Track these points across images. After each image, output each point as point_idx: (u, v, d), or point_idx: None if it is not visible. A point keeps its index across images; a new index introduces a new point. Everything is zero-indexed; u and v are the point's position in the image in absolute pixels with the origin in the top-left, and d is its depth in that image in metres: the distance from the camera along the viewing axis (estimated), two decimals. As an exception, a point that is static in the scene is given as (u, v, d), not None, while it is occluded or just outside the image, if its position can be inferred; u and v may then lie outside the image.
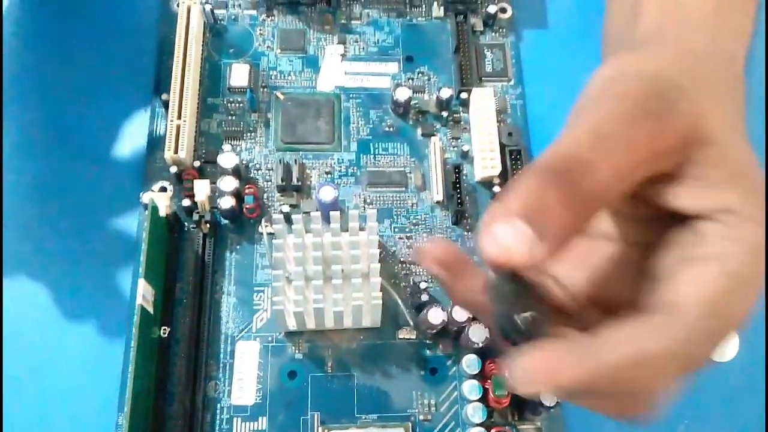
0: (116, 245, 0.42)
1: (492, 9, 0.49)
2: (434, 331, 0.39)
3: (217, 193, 0.41)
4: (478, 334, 0.38)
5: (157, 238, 0.39)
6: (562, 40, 0.51)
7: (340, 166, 0.45)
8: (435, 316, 0.38)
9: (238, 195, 0.42)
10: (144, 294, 0.36)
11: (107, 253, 0.42)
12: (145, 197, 0.40)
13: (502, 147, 0.45)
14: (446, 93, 0.45)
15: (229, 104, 0.46)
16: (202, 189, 0.40)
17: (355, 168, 0.45)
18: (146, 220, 0.37)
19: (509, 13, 0.50)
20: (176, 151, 0.42)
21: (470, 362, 0.38)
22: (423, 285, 0.41)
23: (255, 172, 0.44)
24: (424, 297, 0.40)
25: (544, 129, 0.47)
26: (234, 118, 0.46)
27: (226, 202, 0.41)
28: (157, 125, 0.45)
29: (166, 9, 0.48)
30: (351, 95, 0.47)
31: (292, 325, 0.38)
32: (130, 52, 0.47)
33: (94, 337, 0.40)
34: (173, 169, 0.42)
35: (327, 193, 0.41)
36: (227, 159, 0.42)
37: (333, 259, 0.38)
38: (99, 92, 0.46)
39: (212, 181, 0.43)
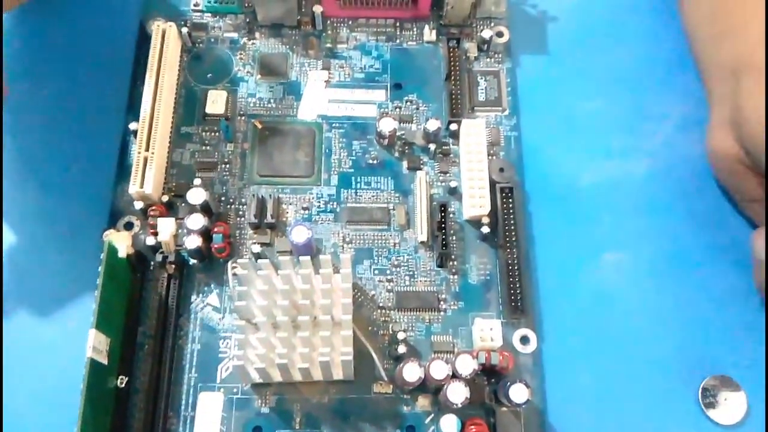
0: (78, 285, 0.39)
1: (487, 34, 0.46)
2: (410, 387, 0.36)
3: (183, 231, 0.39)
4: (457, 393, 0.34)
5: (115, 281, 0.36)
6: (561, 66, 0.47)
7: (319, 202, 0.42)
8: (411, 372, 0.35)
9: (206, 234, 0.39)
10: (95, 345, 0.33)
11: (67, 294, 0.39)
12: (106, 235, 0.38)
13: (492, 184, 0.41)
14: (433, 125, 0.42)
15: (203, 133, 0.44)
16: (166, 228, 0.38)
17: (335, 203, 0.42)
18: (101, 263, 0.35)
19: (506, 37, 0.47)
20: (142, 185, 0.39)
21: (449, 423, 0.35)
22: (401, 335, 0.38)
23: (228, 206, 0.42)
24: (402, 349, 0.37)
25: (540, 163, 0.44)
26: (208, 148, 0.43)
27: (192, 242, 0.38)
28: (127, 155, 0.42)
29: (143, 31, 0.46)
30: (334, 124, 0.44)
31: (256, 378, 0.36)
32: (104, 77, 0.45)
33: (51, 385, 0.37)
34: (138, 205, 0.40)
35: (300, 234, 0.38)
36: (195, 195, 0.39)
37: (302, 309, 0.35)
38: (70, 119, 0.44)
39: (182, 216, 0.40)
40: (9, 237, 0.41)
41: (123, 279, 0.37)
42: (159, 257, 0.38)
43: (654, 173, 0.44)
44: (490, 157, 0.43)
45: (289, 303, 0.35)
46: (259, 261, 0.36)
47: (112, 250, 0.36)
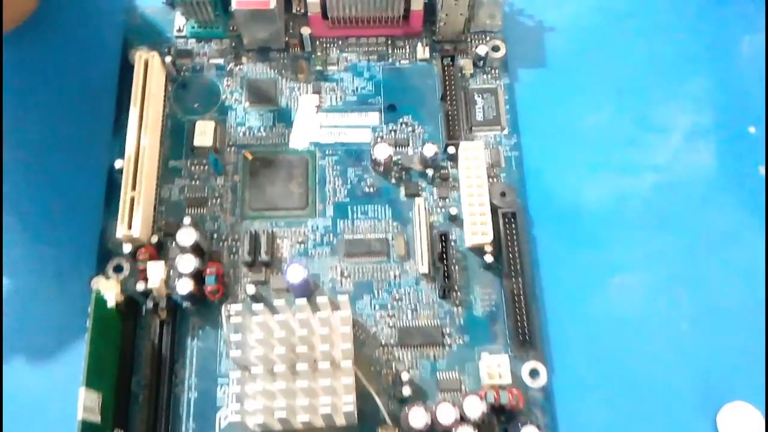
0: (67, 335, 0.38)
1: (483, 50, 0.44)
2: (417, 432, 0.35)
3: (174, 274, 0.37)
4: (466, 438, 0.33)
5: (105, 332, 0.35)
6: (561, 79, 0.45)
7: (315, 235, 0.40)
8: (417, 418, 0.34)
9: (198, 275, 0.37)
10: (87, 404, 0.32)
11: (56, 346, 0.38)
12: (94, 283, 0.36)
13: (494, 209, 0.40)
14: (430, 150, 0.41)
15: (192, 167, 0.42)
16: (156, 273, 0.36)
17: (331, 236, 0.40)
18: (89, 317, 0.33)
19: (502, 51, 0.45)
20: (129, 228, 0.38)
21: (459, 468, 0.34)
22: (405, 376, 0.36)
23: (220, 244, 0.40)
24: (406, 390, 0.36)
25: (542, 183, 0.42)
26: (198, 182, 0.41)
27: (184, 287, 0.36)
28: (114, 194, 0.41)
29: (126, 62, 0.44)
30: (327, 152, 0.43)
31: (257, 430, 0.34)
32: (87, 112, 0.43)
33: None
34: (127, 248, 0.38)
35: (296, 274, 0.36)
36: (186, 235, 0.38)
37: (301, 356, 0.34)
38: (52, 157, 0.42)
39: (172, 258, 0.39)
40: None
41: (113, 328, 0.36)
42: (150, 304, 0.37)
43: (662, 188, 0.43)
44: (490, 180, 0.41)
45: (287, 350, 0.33)
46: (254, 306, 0.34)
47: (101, 301, 0.34)
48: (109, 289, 0.35)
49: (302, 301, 0.34)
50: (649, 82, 0.45)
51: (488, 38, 0.46)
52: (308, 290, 0.38)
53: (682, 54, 0.45)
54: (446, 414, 0.33)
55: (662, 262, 0.41)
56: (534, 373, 0.38)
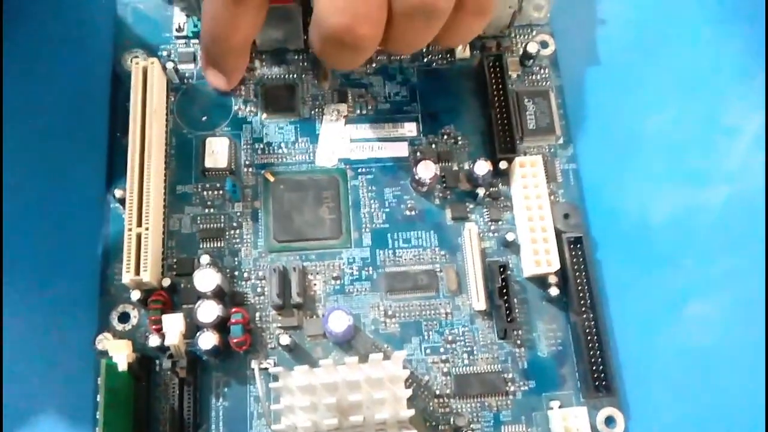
0: (70, 400, 0.32)
1: (533, 47, 0.38)
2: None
3: (194, 324, 0.32)
4: None
5: (117, 400, 0.29)
6: (616, 78, 0.40)
7: (351, 269, 0.35)
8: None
9: (221, 325, 0.32)
10: (101, 497, 0.27)
11: (61, 422, 0.32)
12: (100, 344, 0.30)
13: (558, 233, 0.35)
14: (482, 168, 0.35)
15: (205, 192, 0.36)
16: (173, 327, 0.31)
17: (370, 269, 0.35)
18: (100, 390, 0.28)
19: (551, 47, 0.40)
20: (137, 272, 0.32)
21: None
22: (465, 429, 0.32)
23: (243, 283, 0.35)
24: (473, 452, 0.31)
25: (603, 199, 0.38)
26: (212, 210, 0.36)
27: (207, 341, 0.31)
28: (113, 228, 0.35)
29: (119, 69, 0.38)
30: (359, 170, 0.37)
31: None
32: (76, 131, 0.37)
33: None
34: (135, 295, 0.33)
35: (339, 322, 0.31)
36: (205, 279, 0.32)
37: (356, 426, 0.29)
38: (39, 186, 0.36)
39: (188, 302, 0.33)
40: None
41: (125, 394, 0.30)
42: (168, 362, 0.31)
43: (737, 198, 0.38)
44: (550, 199, 0.36)
45: (339, 419, 0.28)
46: (297, 368, 0.29)
47: (111, 369, 0.29)
48: (119, 350, 0.30)
49: (352, 360, 0.29)
50: (716, 77, 0.40)
51: (534, 33, 0.40)
52: (350, 336, 0.33)
53: (753, 45, 0.41)
54: (525, 483, 0.29)
55: (741, 285, 0.36)
56: (610, 422, 0.33)
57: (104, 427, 0.27)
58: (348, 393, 0.29)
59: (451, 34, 0.32)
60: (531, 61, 0.39)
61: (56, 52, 0.39)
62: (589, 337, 0.34)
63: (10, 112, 0.37)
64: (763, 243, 0.37)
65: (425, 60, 0.39)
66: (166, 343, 0.31)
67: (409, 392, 0.29)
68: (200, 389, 0.32)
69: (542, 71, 0.40)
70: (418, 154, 0.37)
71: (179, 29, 0.39)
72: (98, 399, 0.28)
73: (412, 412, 0.29)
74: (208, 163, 0.36)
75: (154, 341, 0.32)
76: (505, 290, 0.34)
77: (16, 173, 0.36)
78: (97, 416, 0.27)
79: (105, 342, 0.30)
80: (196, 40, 0.39)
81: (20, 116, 0.37)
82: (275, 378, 0.30)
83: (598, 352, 0.33)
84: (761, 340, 0.35)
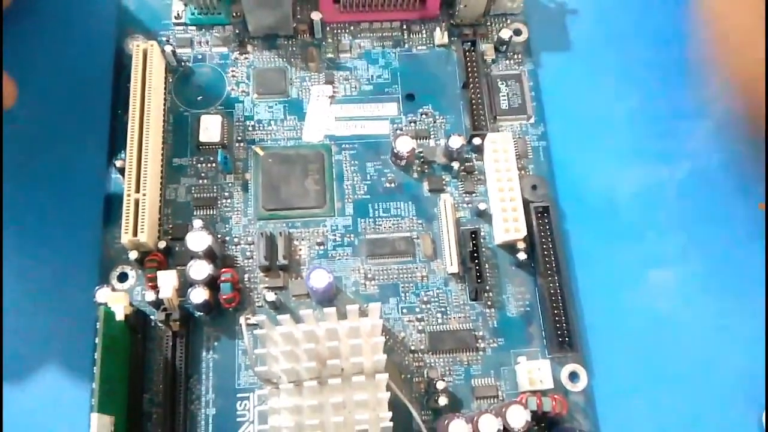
0: (72, 357, 0.35)
1: (506, 33, 0.41)
2: (457, 446, 0.32)
3: (187, 282, 0.34)
4: (511, 451, 0.31)
5: (115, 347, 0.32)
6: (587, 64, 0.43)
7: (334, 235, 0.38)
8: (458, 431, 0.31)
9: (212, 283, 0.35)
10: (99, 431, 0.29)
11: (61, 369, 0.35)
12: (99, 295, 0.33)
13: (526, 203, 0.37)
14: (456, 142, 0.38)
15: (199, 165, 0.39)
16: (167, 283, 0.33)
17: (351, 236, 0.38)
18: (98, 334, 0.30)
19: (525, 35, 0.43)
20: (135, 233, 0.35)
21: (503, 482, 0.32)
22: (440, 384, 0.34)
23: (233, 248, 0.37)
24: (443, 400, 0.34)
25: (572, 174, 0.40)
26: (206, 181, 0.38)
27: (199, 296, 0.34)
28: (114, 197, 0.38)
29: (121, 52, 0.41)
30: (343, 146, 0.40)
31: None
32: (80, 108, 0.40)
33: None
34: (133, 255, 0.35)
35: (319, 279, 0.34)
36: (197, 239, 0.35)
37: (331, 369, 0.31)
38: (46, 159, 0.39)
39: (182, 263, 0.36)
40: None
41: (122, 344, 0.33)
42: (162, 315, 0.34)
43: (698, 175, 0.41)
44: (519, 173, 0.38)
45: (315, 363, 0.31)
46: (279, 317, 0.31)
47: (109, 316, 0.31)
48: (117, 301, 0.32)
49: (331, 310, 0.31)
50: (681, 64, 0.43)
51: (509, 21, 0.43)
52: (331, 295, 0.36)
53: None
54: (489, 426, 0.31)
55: (701, 255, 0.39)
56: (574, 377, 0.36)
57: (101, 367, 0.30)
58: (326, 340, 0.31)
59: None
60: (505, 47, 0.42)
61: (64, 37, 0.42)
62: (554, 298, 0.36)
63: (21, 90, 0.40)
64: (722, 215, 0.40)
65: (406, 45, 0.42)
66: (161, 296, 0.33)
67: (383, 339, 0.31)
68: (192, 343, 0.35)
69: (516, 57, 0.42)
70: (398, 131, 0.40)
71: (177, 17, 0.42)
72: (96, 341, 0.30)
73: (385, 356, 0.31)
74: (203, 138, 0.39)
75: (149, 296, 0.34)
76: (475, 254, 0.37)
77: (25, 145, 0.39)
78: (95, 356, 0.30)
79: (104, 294, 0.33)
80: (193, 27, 0.42)
81: (30, 94, 0.40)
82: (260, 327, 0.32)
83: (563, 311, 0.36)
84: (715, 305, 0.38)
